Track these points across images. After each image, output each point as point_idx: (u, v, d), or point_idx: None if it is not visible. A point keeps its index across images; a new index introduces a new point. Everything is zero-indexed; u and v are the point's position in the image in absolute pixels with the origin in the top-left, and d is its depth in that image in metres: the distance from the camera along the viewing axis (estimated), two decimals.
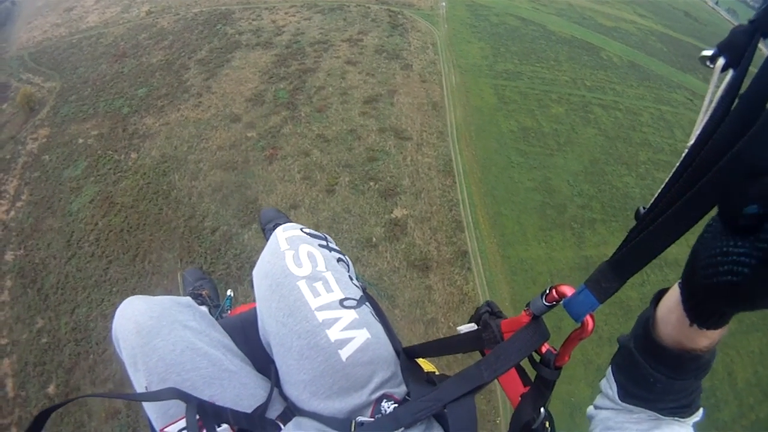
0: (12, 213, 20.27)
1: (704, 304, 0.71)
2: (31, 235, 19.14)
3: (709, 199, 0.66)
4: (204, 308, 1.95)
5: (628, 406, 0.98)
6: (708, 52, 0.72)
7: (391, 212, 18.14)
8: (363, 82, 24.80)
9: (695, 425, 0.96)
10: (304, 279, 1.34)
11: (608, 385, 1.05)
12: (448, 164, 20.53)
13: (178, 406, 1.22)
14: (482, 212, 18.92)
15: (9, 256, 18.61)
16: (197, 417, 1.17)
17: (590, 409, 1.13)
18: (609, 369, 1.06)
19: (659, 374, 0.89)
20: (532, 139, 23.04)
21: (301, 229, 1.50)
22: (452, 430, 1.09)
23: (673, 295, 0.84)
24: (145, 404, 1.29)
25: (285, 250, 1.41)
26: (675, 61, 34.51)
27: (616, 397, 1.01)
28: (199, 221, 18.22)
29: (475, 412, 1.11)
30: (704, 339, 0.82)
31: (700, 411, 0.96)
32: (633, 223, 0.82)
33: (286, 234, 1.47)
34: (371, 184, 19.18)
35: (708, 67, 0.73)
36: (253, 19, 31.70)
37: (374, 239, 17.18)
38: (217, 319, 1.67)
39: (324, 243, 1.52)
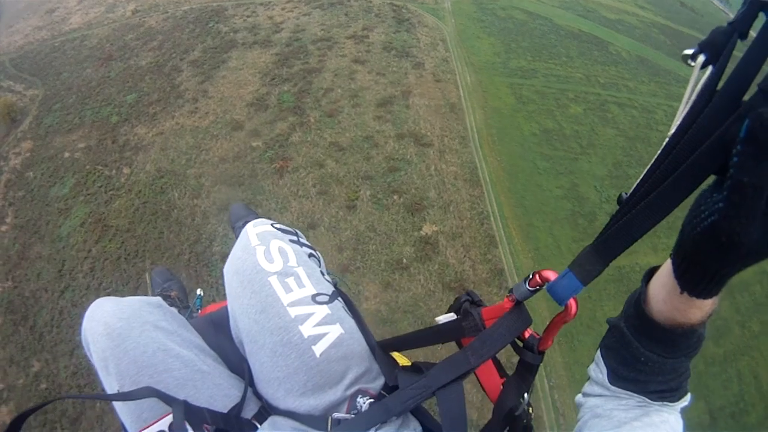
0: None
1: (694, 263, 0.70)
2: (19, 263, 17.23)
3: (691, 182, 0.69)
4: (174, 309, 1.65)
5: (617, 390, 0.96)
6: (689, 51, 0.76)
7: (420, 229, 16.75)
8: (374, 83, 23.26)
9: (683, 411, 0.95)
10: (275, 275, 1.30)
11: (598, 369, 1.02)
12: (474, 172, 19.22)
13: (152, 409, 1.18)
14: (514, 225, 17.72)
15: None
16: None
17: (579, 396, 1.10)
18: (598, 353, 1.03)
19: (650, 353, 0.88)
20: (555, 142, 21.95)
21: (272, 225, 1.47)
22: (442, 415, 1.08)
23: (665, 270, 0.84)
24: (118, 409, 1.24)
25: (256, 245, 1.36)
26: (679, 55, 33.87)
27: (606, 380, 0.98)
28: (206, 246, 16.55)
29: (464, 398, 1.08)
30: (696, 311, 0.80)
31: (688, 396, 0.95)
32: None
33: (256, 230, 1.42)
34: (395, 197, 17.72)
35: (689, 65, 0.76)
36: (248, 16, 29.80)
37: (405, 260, 15.78)
38: (187, 319, 1.51)
39: (295, 238, 1.48)
